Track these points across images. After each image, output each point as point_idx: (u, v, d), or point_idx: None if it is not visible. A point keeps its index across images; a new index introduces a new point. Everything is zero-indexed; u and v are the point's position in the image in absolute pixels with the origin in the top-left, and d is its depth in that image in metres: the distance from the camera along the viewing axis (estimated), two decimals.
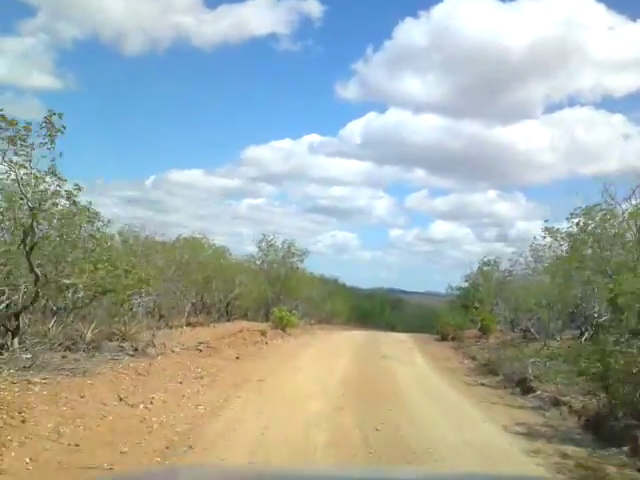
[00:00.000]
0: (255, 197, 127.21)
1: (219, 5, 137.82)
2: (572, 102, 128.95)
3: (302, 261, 28.92)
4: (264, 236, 27.93)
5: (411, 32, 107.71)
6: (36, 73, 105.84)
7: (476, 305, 27.56)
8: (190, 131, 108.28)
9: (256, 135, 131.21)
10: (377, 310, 53.70)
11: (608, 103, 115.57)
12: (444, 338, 28.23)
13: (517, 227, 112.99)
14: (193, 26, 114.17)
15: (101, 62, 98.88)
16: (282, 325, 21.13)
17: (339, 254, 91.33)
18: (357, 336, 27.68)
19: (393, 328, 62.44)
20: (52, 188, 9.31)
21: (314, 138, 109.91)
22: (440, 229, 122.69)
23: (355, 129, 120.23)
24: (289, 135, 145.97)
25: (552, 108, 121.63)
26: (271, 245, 27.98)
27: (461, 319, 26.76)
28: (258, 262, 28.56)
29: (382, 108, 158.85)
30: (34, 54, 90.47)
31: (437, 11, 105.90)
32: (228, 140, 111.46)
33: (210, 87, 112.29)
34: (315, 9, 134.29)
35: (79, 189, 9.62)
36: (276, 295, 28.93)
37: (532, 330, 19.55)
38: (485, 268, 30.68)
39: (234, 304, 25.30)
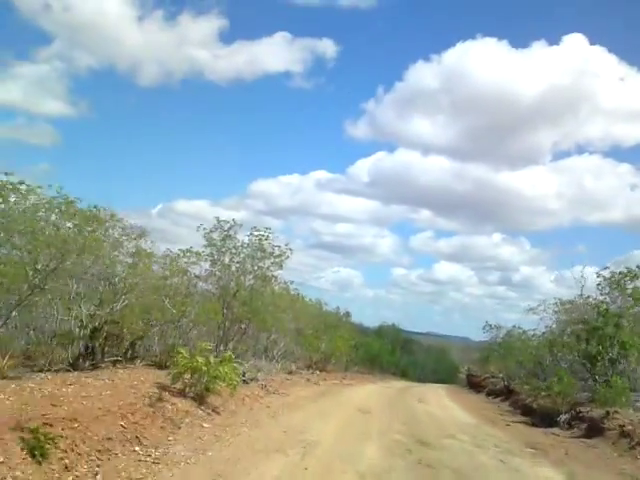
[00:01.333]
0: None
1: (234, 41, 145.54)
2: (580, 150, 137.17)
3: (281, 266, 18.12)
4: (218, 222, 17.03)
5: (422, 74, 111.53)
6: (49, 100, 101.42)
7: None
8: (199, 162, 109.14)
9: (264, 169, 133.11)
10: (386, 351, 42.29)
11: (616, 152, 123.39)
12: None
13: (521, 272, 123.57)
14: (208, 60, 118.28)
15: (115, 91, 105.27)
16: (199, 385, 10.01)
17: (342, 291, 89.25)
18: (386, 413, 15.18)
19: (404, 375, 51.31)
20: None
21: (322, 175, 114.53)
22: (443, 270, 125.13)
23: (363, 167, 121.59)
24: (297, 170, 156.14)
25: (560, 155, 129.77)
26: (228, 237, 17.00)
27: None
28: (207, 266, 17.58)
29: (391, 148, 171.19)
30: (48, 81, 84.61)
31: (449, 55, 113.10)
32: (237, 173, 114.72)
33: (221, 120, 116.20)
34: (330, 49, 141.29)
35: None
36: (234, 322, 18.14)
37: None
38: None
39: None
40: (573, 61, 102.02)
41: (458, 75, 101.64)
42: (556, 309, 24.01)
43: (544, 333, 24.55)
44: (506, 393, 20.61)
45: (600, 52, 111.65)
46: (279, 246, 17.69)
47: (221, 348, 19.25)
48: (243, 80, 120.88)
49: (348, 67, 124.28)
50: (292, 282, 24.86)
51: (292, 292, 26.62)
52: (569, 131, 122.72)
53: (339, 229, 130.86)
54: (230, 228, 17.29)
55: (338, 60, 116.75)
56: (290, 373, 21.80)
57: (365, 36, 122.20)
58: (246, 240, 17.67)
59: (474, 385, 33.41)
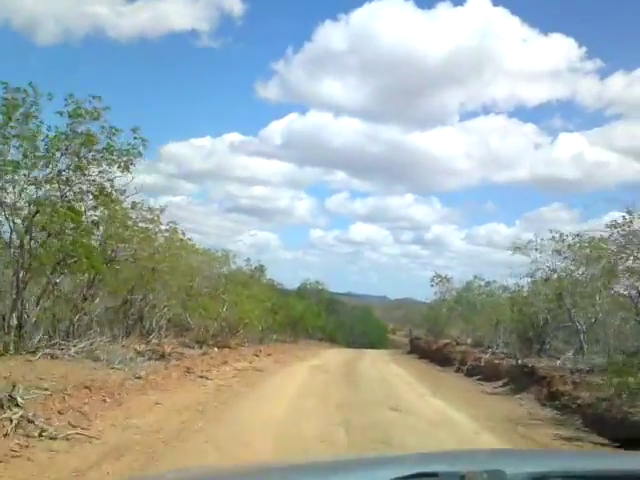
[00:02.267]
0: (174, 194, 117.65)
1: None
2: (487, 111, 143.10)
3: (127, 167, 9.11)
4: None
5: (330, 35, 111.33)
6: None
7: None
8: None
9: (176, 132, 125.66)
10: (311, 313, 34.04)
11: (521, 113, 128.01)
12: None
13: (433, 231, 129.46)
14: (110, 17, 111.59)
15: (11, 50, 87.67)
16: None
17: (259, 254, 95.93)
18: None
19: (332, 340, 43.71)
20: None
21: (235, 137, 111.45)
22: (359, 231, 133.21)
23: (276, 130, 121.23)
24: (209, 133, 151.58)
25: (467, 116, 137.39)
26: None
27: None
28: None
29: (303, 109, 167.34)
30: None
31: (356, 15, 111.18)
32: (146, 136, 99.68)
33: (127, 81, 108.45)
34: (237, 6, 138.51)
35: None
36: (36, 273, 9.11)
37: None
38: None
39: None
40: (477, 22, 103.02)
41: (366, 36, 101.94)
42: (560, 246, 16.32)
43: (546, 279, 16.91)
44: (518, 376, 12.66)
45: (503, 13, 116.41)
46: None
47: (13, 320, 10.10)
48: (148, 39, 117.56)
49: (256, 26, 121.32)
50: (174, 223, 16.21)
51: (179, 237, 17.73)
52: (475, 92, 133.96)
53: (255, 192, 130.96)
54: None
55: (246, 18, 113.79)
56: (163, 357, 12.82)
57: None
58: None
59: (425, 353, 26.04)
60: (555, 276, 16.31)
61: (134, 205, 13.84)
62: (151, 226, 14.72)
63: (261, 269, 30.03)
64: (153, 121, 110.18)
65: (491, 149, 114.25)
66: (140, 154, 10.46)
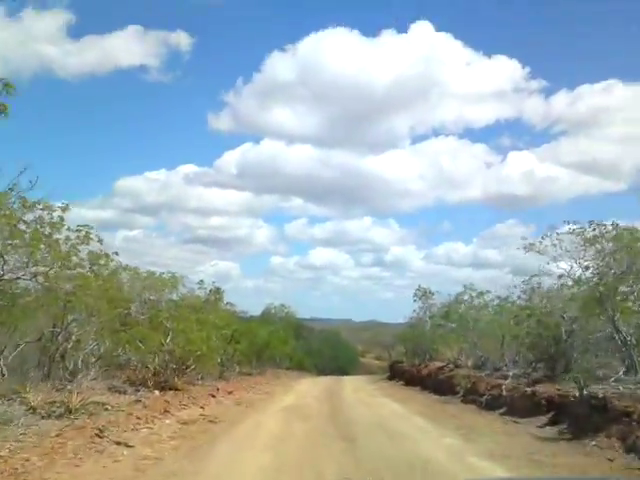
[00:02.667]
0: (130, 229, 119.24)
1: (84, 36, 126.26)
2: (437, 133, 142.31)
3: None
4: None
5: (279, 65, 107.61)
6: None
7: None
8: (57, 164, 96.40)
9: (129, 166, 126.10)
10: (278, 339, 29.92)
11: (470, 134, 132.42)
12: None
13: (392, 252, 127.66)
14: (57, 57, 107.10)
15: None
16: None
17: (221, 283, 79.98)
18: None
19: (301, 368, 39.63)
20: None
21: (190, 169, 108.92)
22: (320, 255, 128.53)
23: (231, 159, 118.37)
24: (164, 166, 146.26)
25: (418, 139, 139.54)
26: None
27: None
28: None
29: (256, 139, 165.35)
30: None
31: (303, 45, 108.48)
32: (99, 171, 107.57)
33: (77, 118, 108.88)
34: (184, 41, 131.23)
35: None
36: None
37: None
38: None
39: None
40: (421, 48, 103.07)
41: (313, 65, 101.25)
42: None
43: (577, 279, 13.54)
44: (570, 410, 9.04)
45: (446, 38, 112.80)
46: None
47: None
48: (96, 76, 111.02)
49: (205, 59, 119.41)
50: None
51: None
52: (423, 116, 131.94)
53: (213, 222, 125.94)
54: None
55: (194, 53, 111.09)
56: (69, 413, 8.70)
57: (219, 27, 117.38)
58: None
59: (412, 379, 22.36)
60: (588, 274, 12.92)
61: (25, 203, 9.81)
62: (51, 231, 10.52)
63: (218, 292, 25.85)
64: (106, 157, 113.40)
65: (444, 170, 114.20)
66: None
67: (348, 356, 52.87)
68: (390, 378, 28.46)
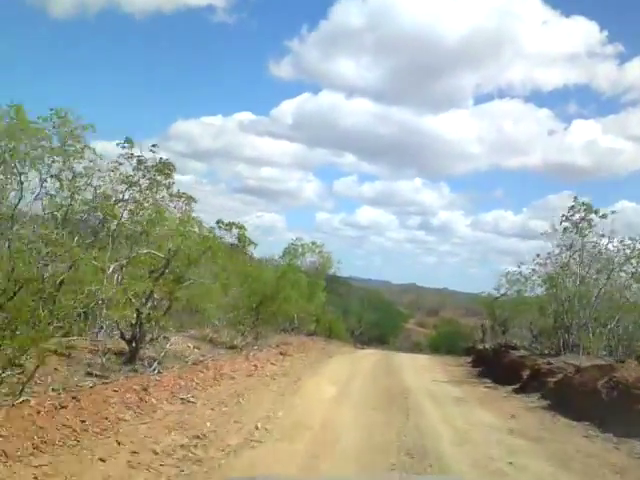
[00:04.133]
0: (183, 173, 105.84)
1: None
2: (502, 94, 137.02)
3: None
4: None
5: (347, 12, 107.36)
6: None
7: None
8: (116, 101, 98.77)
9: (186, 109, 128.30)
10: (294, 288, 18.44)
11: (536, 97, 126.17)
12: None
13: (439, 217, 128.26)
14: None
15: (24, 23, 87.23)
16: None
17: (265, 235, 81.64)
18: None
19: (331, 336, 29.01)
20: None
21: (246, 116, 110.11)
22: (366, 215, 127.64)
23: (287, 109, 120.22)
24: (221, 111, 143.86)
25: (482, 99, 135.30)
26: None
27: None
28: None
29: (315, 89, 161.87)
30: None
31: None
32: (156, 113, 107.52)
33: (140, 56, 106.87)
34: None
35: None
36: None
37: None
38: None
39: None
40: (497, 2, 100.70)
41: (383, 13, 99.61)
42: None
43: None
44: None
45: None
46: None
47: None
48: (163, 14, 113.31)
49: (272, 2, 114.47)
50: None
51: None
52: (491, 74, 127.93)
53: (263, 173, 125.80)
54: None
55: None
56: None
57: None
58: None
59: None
60: None
61: None
62: None
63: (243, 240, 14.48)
64: (164, 98, 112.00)
65: (504, 134, 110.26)
66: None
67: (392, 322, 41.81)
68: (478, 370, 17.29)
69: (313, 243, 27.46)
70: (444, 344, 38.58)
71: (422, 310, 78.77)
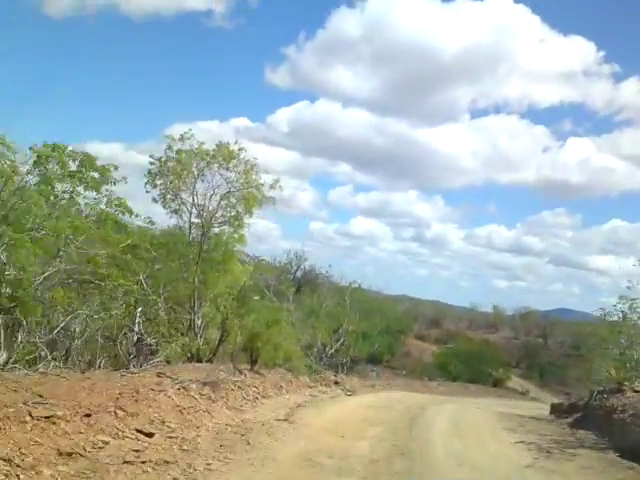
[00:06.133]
0: None
1: None
2: (498, 110, 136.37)
3: None
4: None
5: (345, 21, 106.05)
6: None
7: None
8: (113, 103, 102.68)
9: (183, 113, 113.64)
10: None
11: (532, 114, 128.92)
12: None
13: (433, 229, 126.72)
14: None
15: (21, 22, 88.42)
16: None
17: (258, 243, 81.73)
18: None
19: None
20: None
21: (242, 122, 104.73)
22: (360, 225, 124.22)
23: (284, 117, 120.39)
24: (217, 117, 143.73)
25: (478, 114, 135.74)
26: None
27: None
28: None
29: (312, 98, 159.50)
30: None
31: (373, 2, 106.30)
32: (153, 116, 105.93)
33: (137, 58, 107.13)
34: None
35: None
36: None
37: None
38: None
39: None
40: (496, 18, 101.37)
41: (381, 24, 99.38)
42: None
43: None
44: None
45: (524, 11, 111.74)
46: None
47: None
48: (161, 16, 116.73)
49: (271, 9, 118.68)
50: None
51: None
52: (487, 90, 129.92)
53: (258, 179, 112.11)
54: None
55: (261, 2, 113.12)
56: None
57: None
58: None
59: None
60: None
61: None
62: None
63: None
64: (160, 102, 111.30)
65: (499, 149, 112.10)
66: None
67: (389, 335, 29.29)
68: None
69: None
70: (464, 369, 26.58)
71: (420, 321, 67.91)
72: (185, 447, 5.98)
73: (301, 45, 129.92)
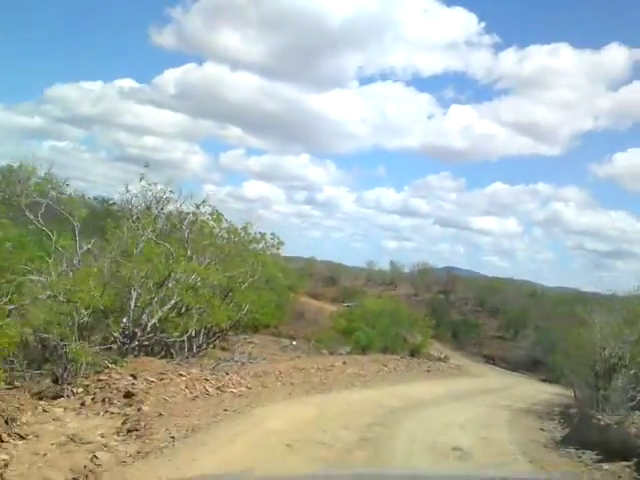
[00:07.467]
0: (59, 139, 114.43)
1: None
2: (385, 77, 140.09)
3: None
4: None
5: None
6: None
7: None
8: None
9: (64, 73, 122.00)
10: None
11: (417, 82, 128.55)
12: None
13: (325, 192, 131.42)
14: None
15: None
16: None
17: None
18: None
19: None
20: None
21: (127, 83, 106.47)
22: (253, 188, 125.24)
23: (171, 79, 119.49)
24: (101, 77, 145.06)
25: (365, 81, 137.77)
26: None
27: None
28: None
29: (199, 60, 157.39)
30: None
31: None
32: (31, 76, 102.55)
33: (12, 18, 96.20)
34: None
35: None
36: None
37: None
38: None
39: None
40: None
41: None
42: None
43: None
44: None
45: None
46: None
47: None
48: None
49: None
50: None
51: None
52: (374, 57, 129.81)
53: (146, 142, 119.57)
54: None
55: None
56: None
57: None
58: None
59: None
60: None
61: None
62: None
63: None
64: (39, 60, 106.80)
65: (386, 116, 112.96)
66: None
67: (274, 294, 21.60)
68: None
69: None
70: (375, 335, 19.77)
71: (315, 279, 61.78)
72: None
73: (187, 6, 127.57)
